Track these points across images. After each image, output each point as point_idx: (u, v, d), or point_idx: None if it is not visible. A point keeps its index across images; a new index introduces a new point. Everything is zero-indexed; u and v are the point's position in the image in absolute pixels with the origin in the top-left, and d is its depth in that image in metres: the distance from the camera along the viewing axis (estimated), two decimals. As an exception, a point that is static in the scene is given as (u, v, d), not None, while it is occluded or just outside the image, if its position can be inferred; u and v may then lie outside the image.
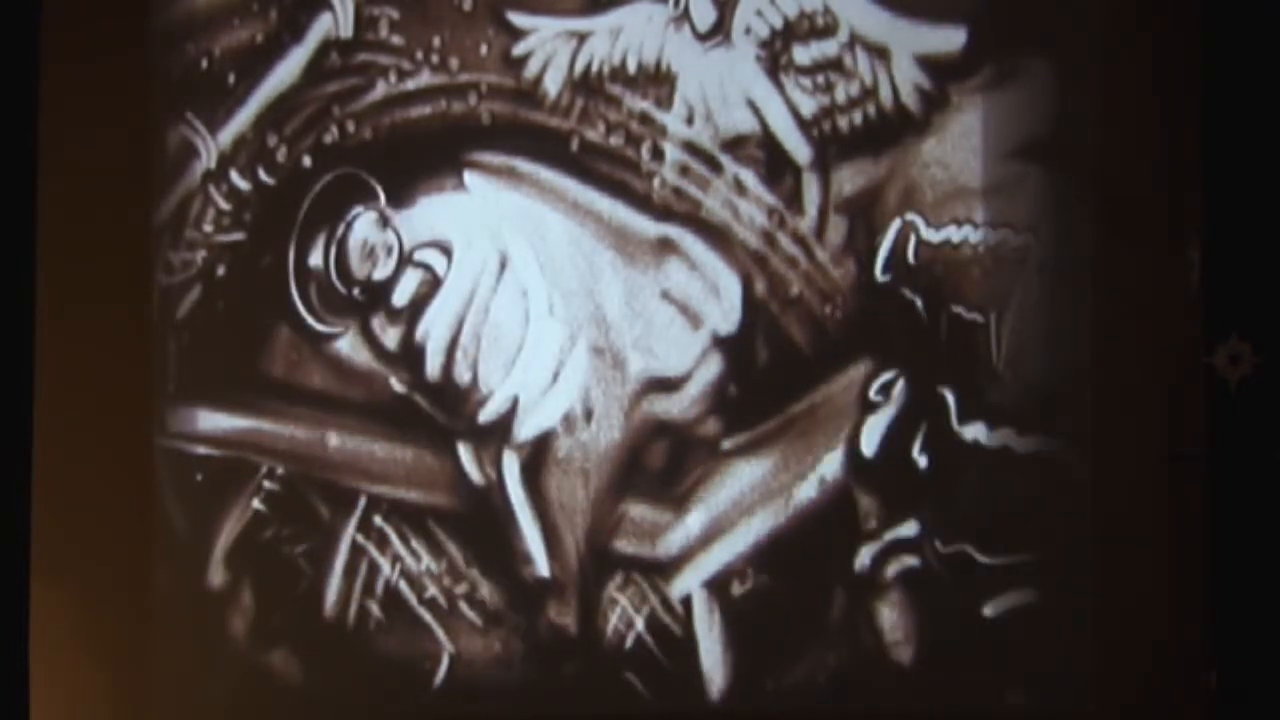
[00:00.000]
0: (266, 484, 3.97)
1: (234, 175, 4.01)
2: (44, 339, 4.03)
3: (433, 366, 3.91)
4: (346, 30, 3.96)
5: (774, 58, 3.79)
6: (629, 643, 3.84)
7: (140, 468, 4.00)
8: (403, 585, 3.90)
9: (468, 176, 3.91)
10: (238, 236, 4.01)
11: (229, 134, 4.01)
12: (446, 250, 3.92)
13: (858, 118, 3.78)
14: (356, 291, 3.95)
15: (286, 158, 3.98)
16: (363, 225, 3.95)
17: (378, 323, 3.94)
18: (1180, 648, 3.59)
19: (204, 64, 4.03)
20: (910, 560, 3.75)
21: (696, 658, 3.82)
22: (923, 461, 3.75)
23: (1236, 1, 3.55)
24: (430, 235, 3.93)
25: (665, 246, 3.83)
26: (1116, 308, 3.64)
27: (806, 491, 3.80)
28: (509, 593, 3.88)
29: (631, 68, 3.84)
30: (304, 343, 3.97)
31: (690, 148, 3.83)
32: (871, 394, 3.77)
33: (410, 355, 3.92)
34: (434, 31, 3.93)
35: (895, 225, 3.77)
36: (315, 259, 3.97)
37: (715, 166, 3.82)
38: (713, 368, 3.83)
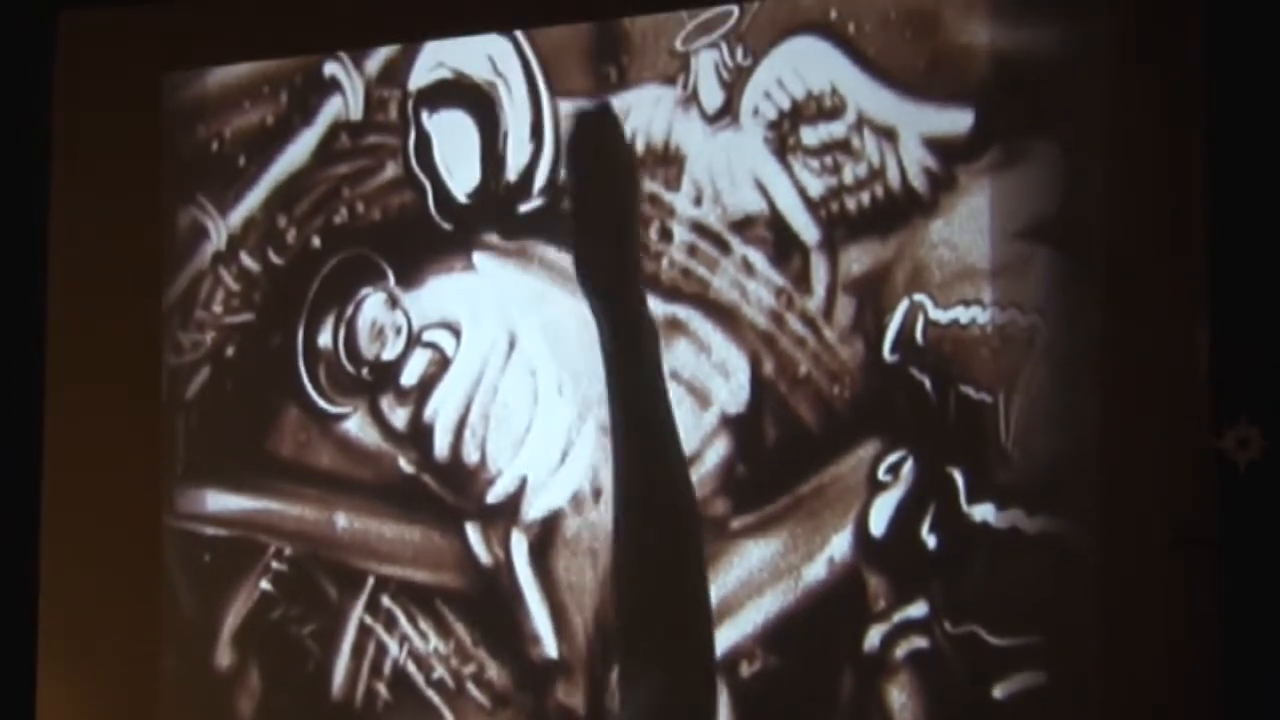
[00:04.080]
0: (274, 564, 3.97)
1: (244, 256, 4.02)
2: (52, 419, 4.04)
3: (441, 446, 3.91)
4: (356, 112, 3.99)
5: (782, 139, 3.80)
6: (637, 724, 3.82)
7: (148, 548, 4.01)
8: (410, 666, 3.89)
9: (477, 257, 3.92)
10: (247, 317, 4.02)
11: (239, 215, 4.03)
12: (455, 330, 3.93)
13: (865, 198, 3.78)
14: (365, 371, 3.96)
15: (296, 239, 4.00)
16: (372, 306, 3.96)
17: (386, 403, 3.94)
18: (1191, 730, 3.57)
19: (215, 145, 4.06)
20: (919, 641, 3.72)
21: (705, 739, 3.79)
22: (931, 542, 3.73)
23: (1243, 85, 3.55)
24: (439, 315, 3.94)
25: (673, 326, 3.83)
26: (1124, 389, 3.63)
27: (815, 572, 3.78)
28: (517, 673, 3.87)
29: (640, 148, 3.86)
30: (313, 423, 3.98)
31: (698, 228, 3.83)
32: (880, 474, 3.76)
33: (419, 435, 3.92)
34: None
35: (903, 305, 3.76)
36: (324, 339, 3.98)
37: (723, 247, 3.82)
38: (721, 447, 3.82)
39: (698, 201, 3.84)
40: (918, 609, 3.73)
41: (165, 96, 4.10)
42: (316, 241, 3.99)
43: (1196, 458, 3.53)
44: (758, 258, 3.81)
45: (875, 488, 3.76)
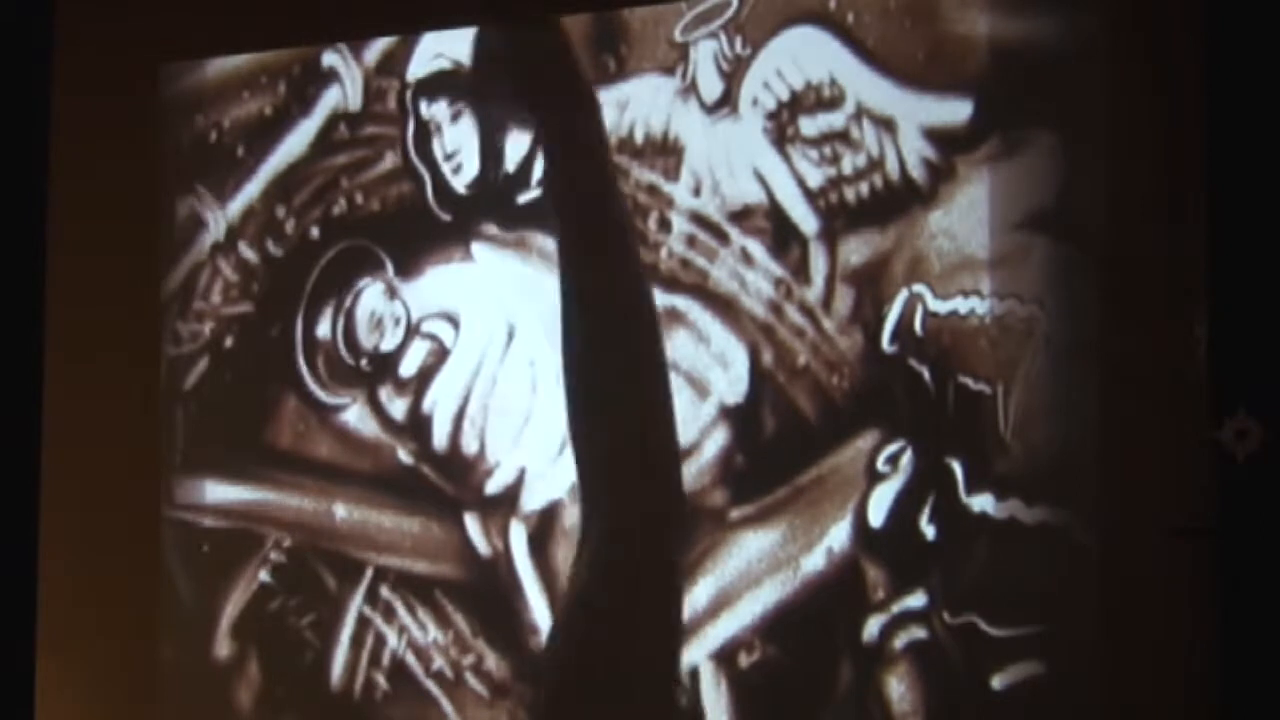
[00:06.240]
0: (273, 555, 3.97)
1: (242, 247, 4.02)
2: (51, 409, 4.05)
3: (440, 437, 3.91)
4: (355, 103, 3.99)
5: (781, 129, 3.80)
6: (636, 714, 3.83)
7: (147, 539, 4.01)
8: (409, 657, 3.90)
9: (475, 248, 3.92)
10: (245, 308, 4.02)
11: (237, 206, 4.04)
12: (454, 321, 3.93)
13: (864, 189, 3.77)
14: (364, 362, 3.96)
15: (294, 229, 4.00)
16: (370, 296, 3.96)
17: (385, 393, 3.94)
18: (1190, 720, 3.57)
19: (213, 136, 4.06)
20: (918, 632, 3.72)
21: (704, 729, 3.80)
22: (930, 532, 3.73)
23: (1243, 74, 3.55)
24: (438, 306, 3.94)
25: (672, 317, 3.83)
26: (1123, 380, 3.63)
27: (814, 562, 3.78)
28: (516, 663, 3.87)
29: (639, 139, 3.85)
30: (311, 413, 3.98)
31: (697, 218, 3.83)
32: (879, 464, 3.76)
33: (417, 426, 3.92)
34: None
35: (902, 296, 3.75)
36: (323, 330, 3.98)
37: (722, 237, 3.82)
38: (719, 438, 3.82)
39: (696, 192, 3.83)
40: (916, 599, 3.73)
41: (163, 87, 4.10)
42: (315, 232, 3.99)
43: (1195, 449, 3.53)
44: (757, 248, 3.81)
45: (874, 478, 3.76)
